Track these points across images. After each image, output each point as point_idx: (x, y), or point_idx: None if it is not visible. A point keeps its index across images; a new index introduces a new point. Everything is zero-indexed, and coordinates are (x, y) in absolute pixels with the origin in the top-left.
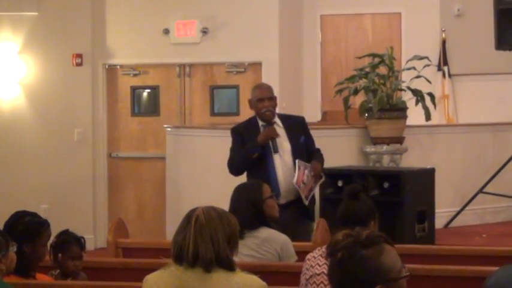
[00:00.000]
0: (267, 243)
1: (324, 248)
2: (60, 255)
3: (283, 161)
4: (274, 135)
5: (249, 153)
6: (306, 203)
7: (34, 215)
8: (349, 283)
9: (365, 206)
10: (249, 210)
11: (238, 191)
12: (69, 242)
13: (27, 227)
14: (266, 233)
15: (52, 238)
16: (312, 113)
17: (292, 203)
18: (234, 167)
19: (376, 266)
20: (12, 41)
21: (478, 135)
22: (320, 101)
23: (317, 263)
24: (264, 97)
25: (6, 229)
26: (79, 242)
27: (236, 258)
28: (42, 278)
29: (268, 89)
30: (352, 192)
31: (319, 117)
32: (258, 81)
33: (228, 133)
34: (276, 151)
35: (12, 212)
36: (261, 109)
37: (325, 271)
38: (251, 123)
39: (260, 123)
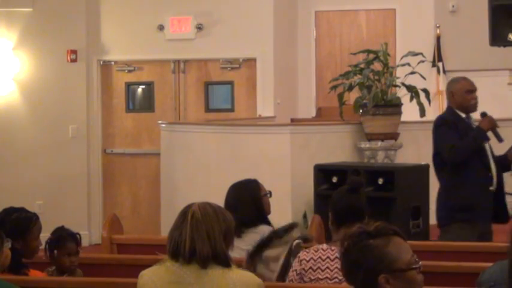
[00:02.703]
0: None
1: (321, 249)
2: (56, 251)
3: (491, 152)
4: (496, 125)
5: (479, 140)
6: None
7: (21, 210)
8: (355, 272)
9: (364, 199)
10: (250, 207)
11: (237, 189)
12: (65, 238)
13: (15, 223)
14: (265, 229)
15: (47, 234)
16: (306, 109)
17: None
18: (463, 154)
19: (380, 255)
20: (6, 37)
21: None
22: (314, 97)
23: (318, 266)
24: (473, 89)
25: None
26: (74, 237)
27: (235, 253)
28: (36, 274)
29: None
30: (355, 186)
31: (313, 113)
32: (253, 77)
33: (222, 129)
34: (502, 140)
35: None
36: (470, 100)
37: (329, 276)
38: (453, 115)
39: (463, 115)
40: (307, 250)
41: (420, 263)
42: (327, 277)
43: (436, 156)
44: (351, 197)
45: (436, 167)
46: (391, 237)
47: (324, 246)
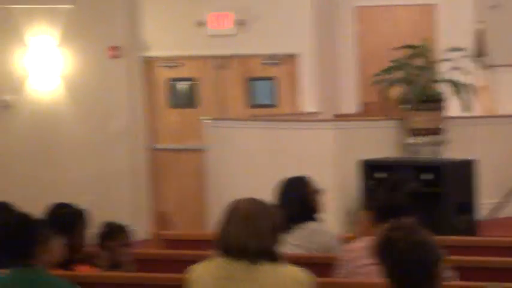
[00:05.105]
0: (314, 234)
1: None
2: (109, 243)
3: None
4: None
5: None
6: None
7: (69, 206)
8: (421, 268)
9: (405, 198)
10: (296, 204)
11: (286, 185)
12: (119, 229)
13: (63, 219)
14: (314, 225)
15: (95, 229)
16: (348, 105)
17: None
18: None
19: (433, 245)
20: (49, 34)
21: None
22: (356, 93)
23: (362, 254)
24: None
25: None
26: (126, 229)
27: (283, 248)
28: (83, 269)
29: None
30: (395, 184)
31: (356, 109)
32: (294, 73)
33: (266, 124)
34: None
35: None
36: None
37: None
38: None
39: None
40: (352, 242)
41: None
42: (372, 262)
43: None
44: (390, 195)
45: None
46: (421, 228)
47: (368, 238)
